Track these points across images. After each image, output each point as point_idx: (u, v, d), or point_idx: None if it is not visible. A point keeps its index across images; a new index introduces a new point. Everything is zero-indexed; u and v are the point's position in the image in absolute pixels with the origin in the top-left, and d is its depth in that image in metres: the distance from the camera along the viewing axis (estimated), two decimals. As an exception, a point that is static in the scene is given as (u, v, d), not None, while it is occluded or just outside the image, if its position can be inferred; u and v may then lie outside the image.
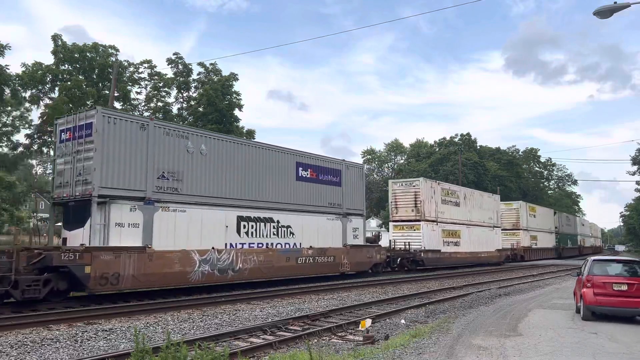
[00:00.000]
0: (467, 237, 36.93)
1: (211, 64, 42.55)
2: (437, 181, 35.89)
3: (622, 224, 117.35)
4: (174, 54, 42.44)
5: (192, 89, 43.01)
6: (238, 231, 18.87)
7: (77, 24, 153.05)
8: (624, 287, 11.77)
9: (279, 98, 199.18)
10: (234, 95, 42.30)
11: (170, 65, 41.71)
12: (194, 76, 43.02)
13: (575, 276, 14.08)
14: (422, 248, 30.97)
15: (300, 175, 22.29)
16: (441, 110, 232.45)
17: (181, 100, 43.07)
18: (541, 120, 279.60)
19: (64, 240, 15.77)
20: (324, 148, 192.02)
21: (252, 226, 19.46)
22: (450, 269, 34.09)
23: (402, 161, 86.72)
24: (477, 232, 38.68)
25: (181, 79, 42.13)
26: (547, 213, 59.46)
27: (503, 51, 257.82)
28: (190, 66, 42.34)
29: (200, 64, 42.48)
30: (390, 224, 33.35)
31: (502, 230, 46.30)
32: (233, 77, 42.53)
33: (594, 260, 13.15)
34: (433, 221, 32.61)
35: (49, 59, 36.79)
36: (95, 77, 36.97)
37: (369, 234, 35.44)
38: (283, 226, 21.01)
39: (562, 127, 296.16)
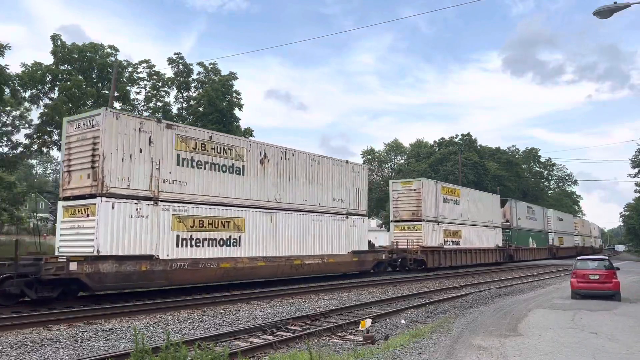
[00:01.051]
0: (264, 230, 20.21)
1: (211, 63, 42.56)
2: (166, 121, 18.00)
3: (622, 224, 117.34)
4: (175, 54, 42.42)
5: (192, 89, 43.02)
6: None
7: (74, 24, 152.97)
8: (597, 277, 16.80)
9: (279, 98, 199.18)
10: (234, 95, 42.30)
11: (171, 65, 41.73)
12: (194, 76, 43.04)
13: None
14: (94, 252, 14.75)
15: None
16: (441, 110, 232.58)
17: (181, 100, 43.09)
18: (541, 120, 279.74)
19: None
20: (323, 148, 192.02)
21: None
22: (184, 291, 17.90)
23: (402, 161, 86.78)
24: (300, 223, 22.19)
25: (181, 78, 42.13)
26: (487, 200, 41.96)
27: (501, 51, 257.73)
28: (190, 66, 42.35)
29: (200, 64, 42.51)
30: (59, 205, 16.68)
31: (395, 222, 32.73)
32: (232, 76, 42.52)
33: (577, 259, 18.30)
34: (143, 198, 16.22)
35: (48, 59, 36.76)
36: (94, 77, 36.97)
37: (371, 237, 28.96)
38: None
39: (562, 127, 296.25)
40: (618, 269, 17.78)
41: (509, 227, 45.81)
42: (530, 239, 50.80)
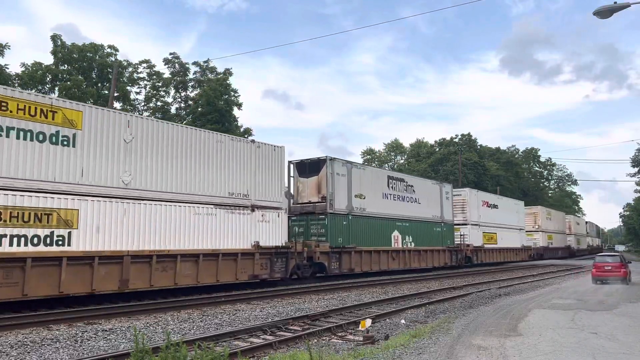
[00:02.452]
0: None
1: (204, 61, 42.47)
2: None
3: (622, 224, 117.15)
4: (170, 54, 42.54)
5: (190, 89, 43.00)
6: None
7: (70, 23, 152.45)
8: (610, 268, 22.58)
9: (279, 98, 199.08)
10: (232, 94, 42.23)
11: (167, 66, 41.72)
12: (191, 75, 43.03)
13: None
14: None
15: None
16: (441, 110, 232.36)
17: (179, 100, 43.08)
18: (541, 120, 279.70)
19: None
20: (321, 147, 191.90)
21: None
22: None
23: (402, 161, 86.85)
24: None
25: (178, 78, 42.13)
26: (232, 149, 19.16)
27: (498, 51, 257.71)
28: (187, 65, 42.33)
29: (195, 63, 42.48)
30: None
31: None
32: (228, 72, 42.47)
33: (597, 255, 24.97)
34: None
35: (48, 59, 36.85)
36: (94, 77, 37.01)
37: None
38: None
39: (562, 127, 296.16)
40: (630, 262, 24.57)
41: (324, 211, 23.60)
42: (398, 234, 28.59)
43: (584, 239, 79.76)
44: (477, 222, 38.48)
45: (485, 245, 39.06)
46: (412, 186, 30.80)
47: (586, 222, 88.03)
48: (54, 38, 35.14)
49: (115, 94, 32.94)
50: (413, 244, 29.90)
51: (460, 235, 35.82)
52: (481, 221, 39.02)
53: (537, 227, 53.95)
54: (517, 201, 49.92)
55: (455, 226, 35.51)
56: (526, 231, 50.02)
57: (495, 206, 42.08)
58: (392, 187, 28.88)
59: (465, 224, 37.12)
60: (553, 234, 58.33)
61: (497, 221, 41.73)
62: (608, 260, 23.29)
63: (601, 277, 22.48)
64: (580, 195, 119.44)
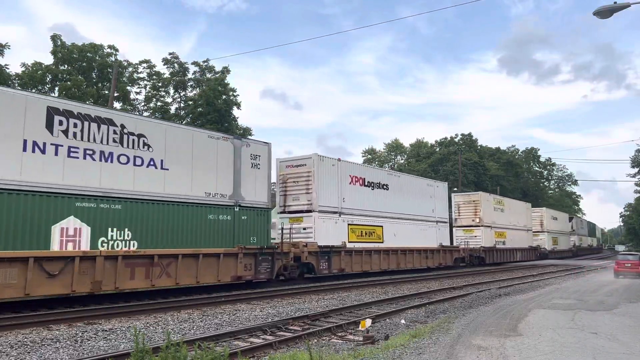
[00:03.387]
0: None
1: (204, 61, 42.48)
2: None
3: (622, 224, 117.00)
4: (169, 54, 42.52)
5: (189, 88, 43.00)
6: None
7: (68, 22, 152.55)
8: (629, 265, 27.20)
9: (279, 98, 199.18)
10: (231, 93, 42.20)
11: (166, 66, 41.72)
12: (190, 75, 43.04)
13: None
14: None
15: None
16: (441, 110, 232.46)
17: (178, 99, 43.08)
18: (540, 120, 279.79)
19: None
20: (320, 147, 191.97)
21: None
22: None
23: (402, 161, 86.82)
24: None
25: (177, 78, 42.14)
26: None
27: (496, 51, 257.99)
28: (185, 65, 42.32)
29: (195, 63, 42.48)
30: None
31: None
32: (226, 70, 42.45)
33: (619, 253, 31.07)
34: None
35: (48, 59, 36.87)
36: (94, 77, 37.01)
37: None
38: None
39: (562, 127, 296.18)
40: None
41: None
42: (78, 226, 13.82)
43: (566, 237, 63.15)
44: (336, 208, 24.35)
45: (350, 245, 24.65)
46: (141, 136, 15.86)
47: (571, 218, 70.38)
48: (54, 38, 35.16)
49: (115, 94, 32.94)
50: (135, 245, 15.37)
51: (283, 228, 21.07)
52: (346, 207, 24.87)
53: (478, 220, 38.58)
54: (434, 182, 33.86)
55: (291, 215, 23.40)
56: (462, 226, 38.69)
57: (382, 186, 27.70)
58: (66, 133, 14.03)
59: (310, 212, 23.18)
60: (507, 230, 42.79)
61: (386, 209, 27.66)
62: (629, 258, 28.82)
63: (622, 272, 27.10)
64: (580, 195, 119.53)
